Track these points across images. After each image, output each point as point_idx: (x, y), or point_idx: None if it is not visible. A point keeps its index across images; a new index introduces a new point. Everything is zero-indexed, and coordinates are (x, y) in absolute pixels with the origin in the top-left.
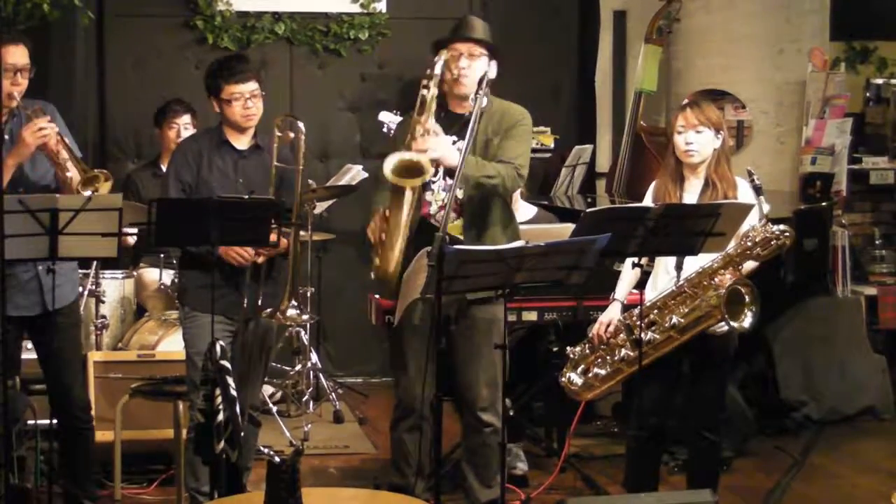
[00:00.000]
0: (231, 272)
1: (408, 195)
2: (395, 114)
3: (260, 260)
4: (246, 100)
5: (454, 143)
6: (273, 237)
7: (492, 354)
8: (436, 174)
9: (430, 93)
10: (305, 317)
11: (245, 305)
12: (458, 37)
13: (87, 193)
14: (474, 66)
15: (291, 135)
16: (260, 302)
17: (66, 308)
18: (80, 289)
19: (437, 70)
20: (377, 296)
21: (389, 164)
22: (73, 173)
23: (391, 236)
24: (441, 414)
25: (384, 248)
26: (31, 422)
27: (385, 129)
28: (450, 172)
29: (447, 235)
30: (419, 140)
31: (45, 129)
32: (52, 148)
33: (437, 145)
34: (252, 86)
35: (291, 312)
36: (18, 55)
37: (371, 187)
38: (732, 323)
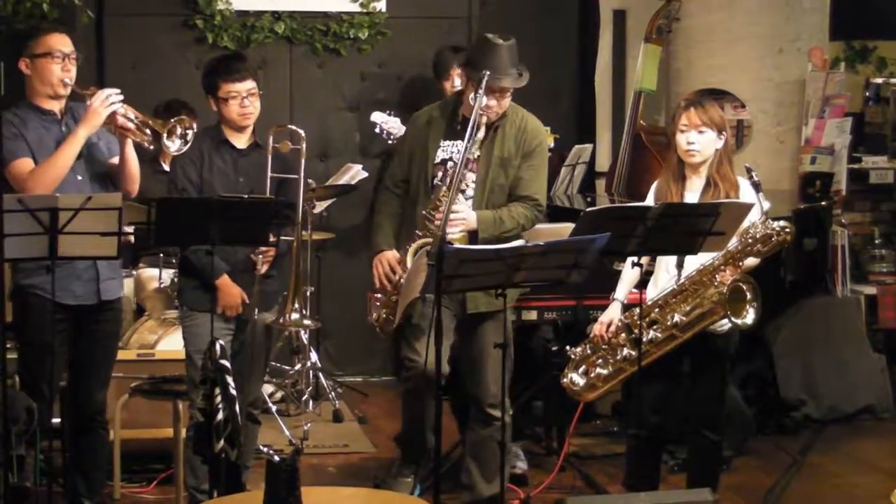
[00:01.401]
0: (230, 272)
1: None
2: (389, 114)
3: (263, 270)
4: (242, 98)
5: (477, 150)
6: (271, 238)
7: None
8: (442, 179)
9: (461, 176)
10: (308, 322)
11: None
12: (495, 78)
13: (175, 145)
14: (504, 102)
15: (290, 145)
16: (260, 301)
17: (114, 302)
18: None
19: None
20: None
21: (412, 251)
22: (149, 133)
23: (404, 299)
24: (441, 414)
25: (394, 307)
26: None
27: (378, 130)
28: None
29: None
30: (447, 220)
31: (113, 98)
32: (122, 114)
33: (464, 225)
34: (249, 84)
35: (296, 317)
36: (65, 42)
37: (370, 187)
38: (735, 320)
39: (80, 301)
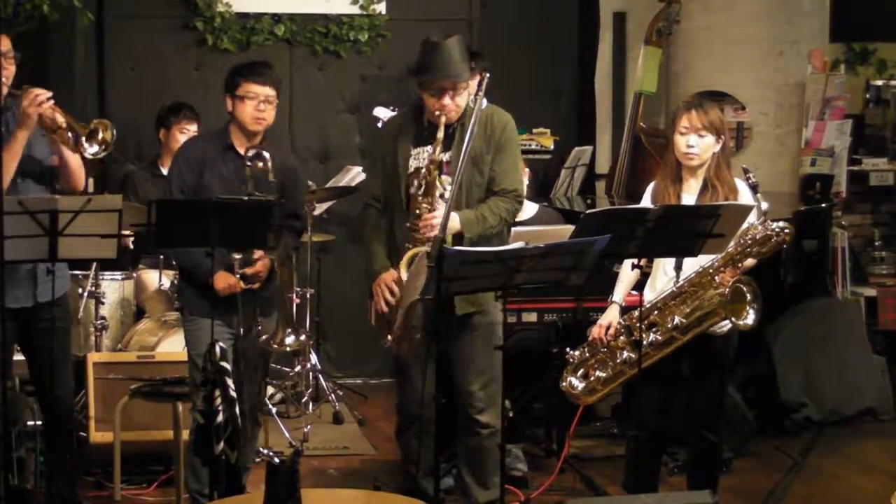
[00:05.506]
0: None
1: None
2: (392, 109)
3: (256, 286)
4: (259, 102)
5: (439, 152)
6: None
7: (487, 357)
8: (417, 189)
9: (433, 177)
10: (302, 338)
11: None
12: (441, 76)
13: (94, 149)
14: (459, 100)
15: (260, 164)
16: (259, 307)
17: (57, 301)
18: (80, 290)
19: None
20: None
21: (405, 263)
22: (72, 135)
23: (405, 302)
24: (441, 415)
25: (397, 317)
26: (30, 423)
27: (380, 126)
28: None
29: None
30: (424, 223)
31: (41, 96)
32: (50, 115)
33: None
34: (269, 90)
35: (290, 340)
36: (4, 42)
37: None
38: (736, 321)
39: (22, 303)
